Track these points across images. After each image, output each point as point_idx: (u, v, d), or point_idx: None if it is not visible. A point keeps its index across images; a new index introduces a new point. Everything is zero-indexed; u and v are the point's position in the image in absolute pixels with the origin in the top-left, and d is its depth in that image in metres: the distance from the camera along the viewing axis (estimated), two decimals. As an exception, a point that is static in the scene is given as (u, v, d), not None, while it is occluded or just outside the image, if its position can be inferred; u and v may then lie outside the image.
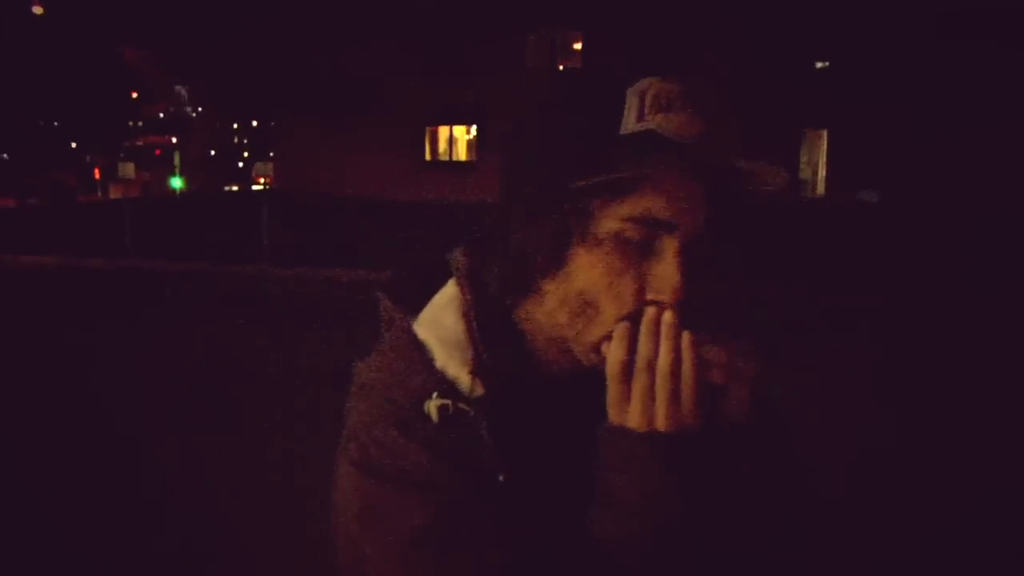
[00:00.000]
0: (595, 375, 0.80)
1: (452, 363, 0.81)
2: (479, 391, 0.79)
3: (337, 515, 0.81)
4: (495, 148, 20.49)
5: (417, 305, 0.86)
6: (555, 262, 0.79)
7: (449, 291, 0.86)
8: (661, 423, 0.75)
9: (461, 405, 0.78)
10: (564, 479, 0.78)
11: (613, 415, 0.77)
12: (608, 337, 0.78)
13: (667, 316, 0.77)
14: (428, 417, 0.78)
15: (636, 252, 0.77)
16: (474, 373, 0.80)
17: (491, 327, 0.83)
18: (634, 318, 0.78)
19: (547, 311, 0.81)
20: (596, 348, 0.79)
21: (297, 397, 5.68)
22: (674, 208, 0.76)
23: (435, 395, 0.78)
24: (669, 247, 0.77)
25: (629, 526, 0.74)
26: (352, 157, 21.90)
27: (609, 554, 0.74)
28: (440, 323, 0.83)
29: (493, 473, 0.76)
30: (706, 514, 0.74)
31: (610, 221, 0.76)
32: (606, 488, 0.75)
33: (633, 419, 0.76)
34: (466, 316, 0.83)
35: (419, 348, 0.82)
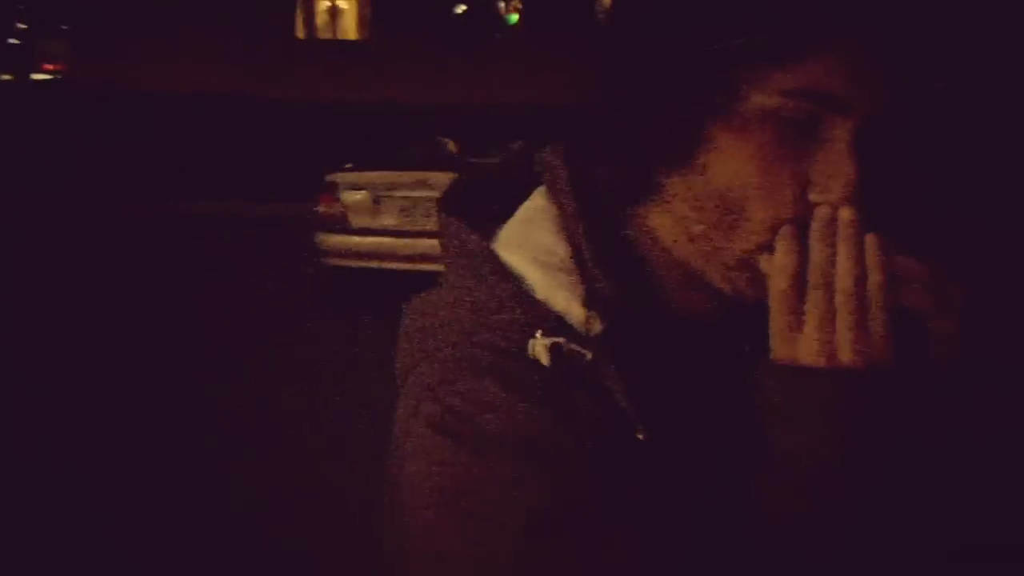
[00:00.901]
0: (733, 311, 0.87)
1: (558, 293, 0.85)
2: (596, 328, 0.84)
3: (405, 500, 0.84)
4: (403, 23, 20.14)
5: (483, 223, 0.92)
6: (686, 153, 0.82)
7: (537, 203, 0.92)
8: (846, 356, 0.79)
9: (574, 346, 0.82)
10: (712, 436, 0.85)
11: (779, 348, 0.82)
12: (760, 249, 0.83)
13: (845, 213, 0.80)
14: (534, 362, 0.82)
15: (796, 138, 0.80)
16: (589, 305, 0.85)
17: (602, 246, 0.88)
18: (794, 225, 0.82)
19: (674, 221, 0.86)
20: (741, 266, 0.84)
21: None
22: (849, 83, 0.78)
23: (539, 333, 0.83)
24: (840, 131, 0.80)
25: (805, 489, 0.79)
26: (189, 35, 21.33)
27: (777, 526, 0.79)
28: (534, 243, 0.88)
29: (628, 432, 0.81)
30: (903, 477, 0.79)
31: (763, 96, 0.79)
32: (774, 442, 0.80)
33: (808, 352, 0.80)
34: (570, 233, 0.88)
35: (510, 276, 0.87)
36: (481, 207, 0.94)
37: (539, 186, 0.94)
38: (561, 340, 0.82)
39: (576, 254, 0.87)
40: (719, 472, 0.83)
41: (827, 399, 0.79)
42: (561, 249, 0.88)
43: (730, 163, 0.81)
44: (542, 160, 0.93)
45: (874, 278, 0.80)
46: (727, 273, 0.85)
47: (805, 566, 0.79)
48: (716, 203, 0.83)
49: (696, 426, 0.85)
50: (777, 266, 0.82)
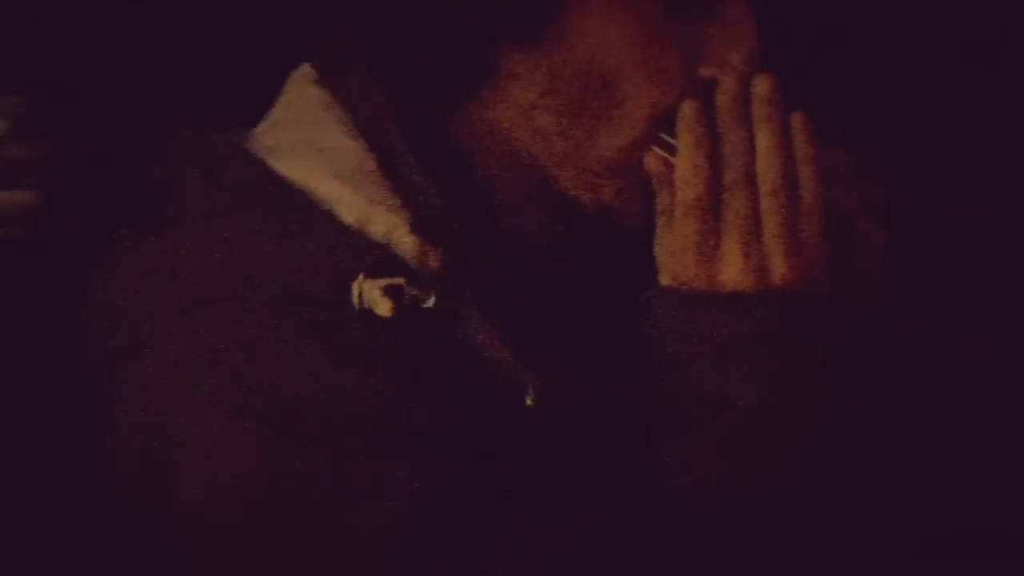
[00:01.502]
0: (598, 236, 0.74)
1: (373, 215, 0.70)
2: (434, 261, 0.69)
3: (187, 498, 0.66)
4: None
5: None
6: (535, 17, 0.69)
7: (307, 93, 0.76)
8: (779, 273, 0.68)
9: (413, 289, 0.68)
10: (608, 395, 0.71)
11: (684, 273, 0.69)
12: (636, 146, 0.70)
13: (763, 85, 0.69)
14: (363, 313, 0.66)
15: None
16: (418, 229, 0.69)
17: (422, 148, 0.73)
18: (697, 104, 0.70)
19: (517, 112, 0.71)
20: (611, 169, 0.71)
21: None
22: None
23: (362, 275, 0.66)
24: None
25: (737, 448, 0.66)
26: None
27: (698, 501, 0.66)
28: (319, 147, 0.72)
29: (508, 398, 0.67)
30: (857, 429, 0.68)
31: None
32: (692, 392, 0.68)
33: (730, 273, 0.68)
34: (372, 130, 0.73)
35: (299, 194, 0.70)
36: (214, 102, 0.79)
37: (298, 69, 0.78)
38: (399, 280, 0.67)
39: (385, 160, 0.71)
40: (624, 441, 0.70)
41: (763, 330, 0.67)
42: (359, 154, 0.72)
43: (598, 28, 0.69)
44: (310, 28, 0.78)
45: (806, 171, 0.69)
46: (591, 180, 0.72)
47: (731, 552, 0.66)
48: (577, 84, 0.70)
49: (588, 384, 0.72)
50: (683, 163, 0.69)
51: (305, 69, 0.77)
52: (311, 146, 0.72)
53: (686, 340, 0.69)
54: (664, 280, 0.70)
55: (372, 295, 0.66)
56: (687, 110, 0.69)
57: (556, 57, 0.69)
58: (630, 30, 0.69)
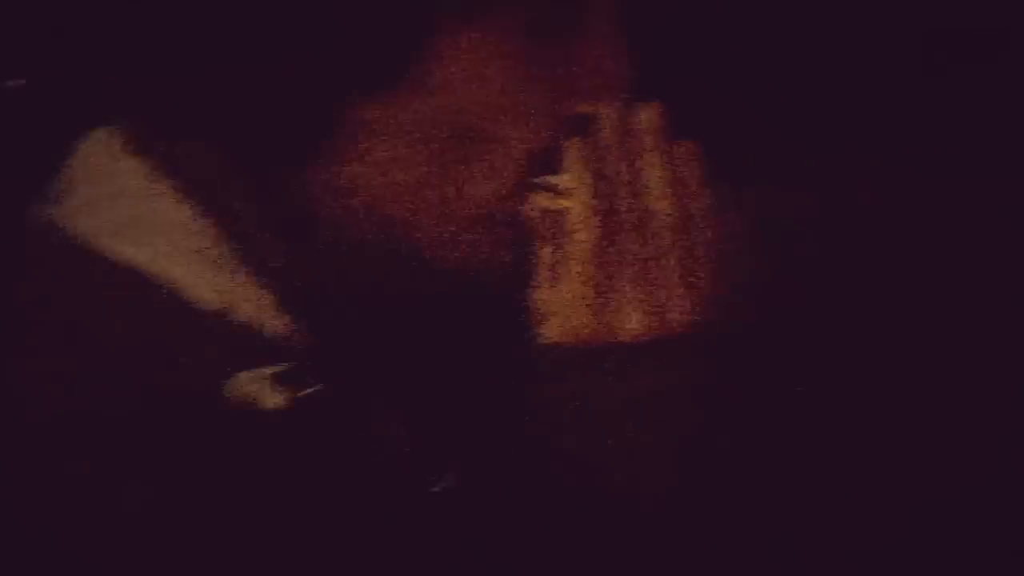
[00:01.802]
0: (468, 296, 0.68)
1: (232, 295, 0.62)
2: (309, 342, 0.63)
3: None
4: None
5: None
6: (394, 68, 0.62)
7: (122, 161, 0.66)
8: (683, 318, 0.64)
9: (297, 376, 0.61)
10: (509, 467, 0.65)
11: (582, 328, 0.64)
12: (512, 195, 0.64)
13: (646, 113, 0.65)
14: (247, 413, 0.59)
15: (550, 22, 0.64)
16: (287, 306, 0.63)
17: (271, 214, 0.65)
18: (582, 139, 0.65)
19: (374, 170, 0.64)
20: (486, 222, 0.65)
21: None
22: None
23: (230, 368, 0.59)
24: (600, 6, 0.65)
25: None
26: None
27: None
28: (151, 221, 0.64)
29: (417, 484, 0.62)
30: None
31: None
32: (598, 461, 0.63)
33: (634, 322, 0.63)
34: (212, 196, 0.65)
35: (141, 282, 0.62)
36: None
37: (97, 132, 0.69)
38: (283, 367, 0.60)
39: (232, 232, 0.64)
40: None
41: (674, 381, 0.64)
42: (202, 228, 0.64)
43: (461, 72, 0.63)
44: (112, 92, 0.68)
45: (699, 204, 0.65)
46: (459, 236, 0.66)
47: None
48: (442, 134, 0.63)
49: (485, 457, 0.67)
50: (573, 207, 0.64)
51: (109, 133, 0.68)
52: (144, 224, 0.64)
53: (585, 401, 0.64)
54: (551, 338, 0.64)
55: (255, 388, 0.59)
56: (575, 146, 0.64)
57: (416, 107, 0.63)
58: (493, 70, 0.63)
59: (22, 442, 0.58)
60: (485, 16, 0.62)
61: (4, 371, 0.60)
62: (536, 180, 0.64)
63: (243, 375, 0.59)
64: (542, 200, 0.64)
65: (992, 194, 0.94)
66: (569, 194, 0.64)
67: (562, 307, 0.64)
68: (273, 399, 0.59)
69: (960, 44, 1.07)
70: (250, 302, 0.62)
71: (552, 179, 0.64)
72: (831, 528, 0.72)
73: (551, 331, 0.64)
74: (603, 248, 0.63)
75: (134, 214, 0.64)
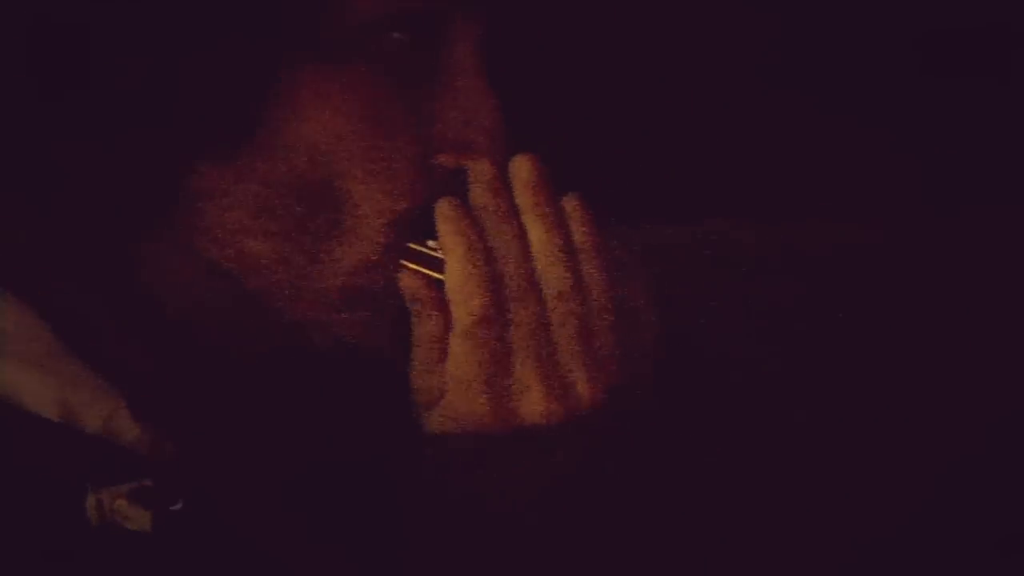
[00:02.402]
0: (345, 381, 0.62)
1: (77, 401, 0.56)
2: (169, 450, 0.56)
3: None
4: None
5: None
6: (231, 127, 0.57)
7: None
8: (584, 390, 0.58)
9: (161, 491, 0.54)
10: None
11: (473, 414, 0.58)
12: (374, 266, 0.59)
13: (522, 166, 0.59)
14: (107, 535, 0.53)
15: (408, 69, 0.59)
16: (139, 410, 0.56)
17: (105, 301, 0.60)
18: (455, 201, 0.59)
19: (221, 236, 0.59)
20: (346, 299, 0.59)
21: None
22: None
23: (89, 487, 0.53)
24: (463, 42, 0.59)
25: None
26: None
27: None
28: None
29: None
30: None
31: (360, 11, 0.56)
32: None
33: (533, 404, 0.58)
34: (35, 285, 0.58)
35: None
36: None
37: None
38: (145, 482, 0.54)
39: (67, 326, 0.58)
40: None
41: (580, 468, 0.58)
42: (29, 324, 0.58)
43: (311, 129, 0.57)
44: None
45: (590, 265, 0.59)
46: (323, 313, 0.60)
47: None
48: (293, 199, 0.58)
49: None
50: (454, 274, 0.58)
51: None
52: None
53: (478, 498, 0.58)
54: (436, 426, 0.59)
55: (118, 507, 0.53)
56: (447, 208, 0.58)
57: (263, 169, 0.57)
58: (349, 127, 0.58)
59: None
60: (341, 64, 0.57)
61: None
62: (407, 247, 0.59)
63: (101, 492, 0.53)
64: (415, 270, 0.59)
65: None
66: (445, 262, 0.58)
67: (449, 391, 0.58)
68: (142, 518, 0.53)
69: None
70: (97, 410, 0.56)
71: (429, 248, 0.58)
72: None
73: (437, 419, 0.59)
74: (489, 321, 0.57)
75: None
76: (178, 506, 0.53)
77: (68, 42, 0.54)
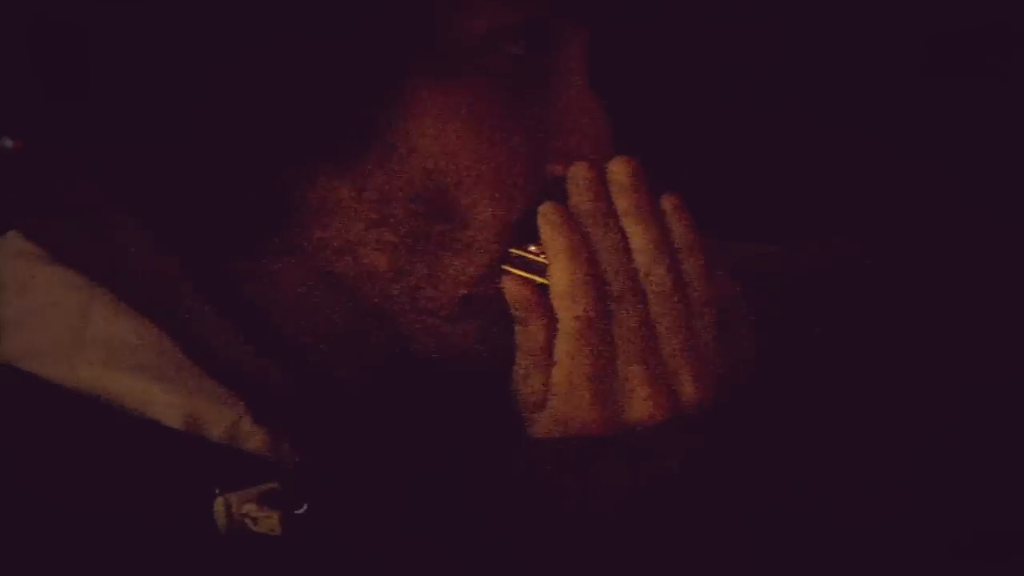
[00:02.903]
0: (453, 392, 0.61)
1: (201, 410, 0.56)
2: (290, 457, 0.57)
3: None
4: None
5: None
6: (351, 137, 0.57)
7: (34, 272, 0.60)
8: (689, 392, 0.58)
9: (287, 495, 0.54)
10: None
11: (578, 418, 0.58)
12: (487, 276, 0.59)
13: (619, 169, 0.59)
14: (236, 537, 0.53)
15: (523, 84, 0.59)
16: (262, 418, 0.57)
17: (222, 315, 0.59)
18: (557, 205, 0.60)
19: (338, 249, 0.59)
20: (463, 310, 0.59)
21: None
22: None
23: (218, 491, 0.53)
24: (572, 55, 0.60)
25: None
26: None
27: None
28: (95, 339, 0.57)
29: None
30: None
31: (479, 11, 0.56)
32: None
33: (639, 406, 0.57)
34: (154, 300, 0.58)
35: (95, 408, 0.56)
36: None
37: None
38: (272, 486, 0.54)
39: (186, 338, 0.58)
40: None
41: (692, 468, 0.58)
42: (149, 337, 0.58)
43: (431, 141, 0.57)
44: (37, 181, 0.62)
45: (690, 263, 0.59)
46: (441, 328, 0.60)
47: None
48: (412, 210, 0.57)
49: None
50: (560, 277, 0.57)
51: (16, 241, 0.61)
52: (84, 341, 0.57)
53: (587, 500, 0.57)
54: (541, 431, 0.58)
55: (247, 510, 0.53)
56: (550, 211, 0.58)
57: (383, 180, 0.57)
58: (467, 137, 0.58)
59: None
60: (458, 77, 0.57)
61: None
62: (509, 252, 0.59)
63: (229, 497, 0.53)
64: (518, 275, 0.59)
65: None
66: (548, 266, 0.58)
67: (554, 395, 0.58)
68: (271, 520, 0.53)
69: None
70: (221, 418, 0.56)
71: (531, 253, 0.58)
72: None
73: (543, 424, 0.59)
74: (594, 323, 0.57)
75: (66, 331, 0.58)
76: (303, 510, 0.53)
77: (189, 57, 0.55)
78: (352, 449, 0.58)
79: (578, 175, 0.59)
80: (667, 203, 0.59)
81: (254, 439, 0.56)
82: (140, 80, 0.56)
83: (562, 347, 0.57)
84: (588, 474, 0.57)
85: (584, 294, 0.57)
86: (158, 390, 0.56)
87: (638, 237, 0.58)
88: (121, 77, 0.56)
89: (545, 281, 0.58)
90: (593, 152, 0.60)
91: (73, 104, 0.58)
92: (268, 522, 0.53)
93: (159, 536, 0.53)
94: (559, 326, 0.57)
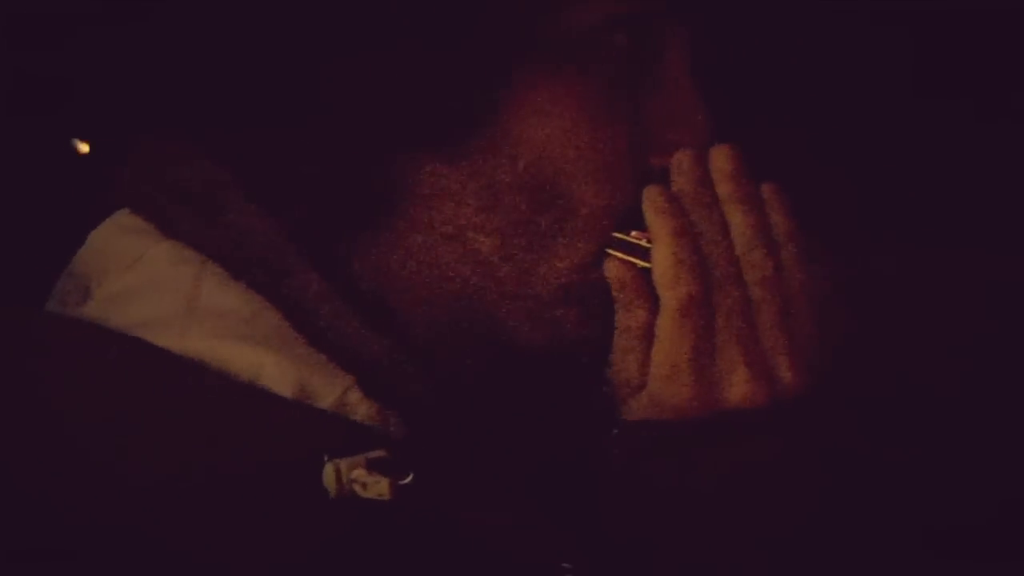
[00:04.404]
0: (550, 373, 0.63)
1: (311, 379, 0.58)
2: (396, 427, 0.59)
3: None
4: None
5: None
6: (460, 125, 0.59)
7: (149, 247, 0.62)
8: (787, 376, 0.59)
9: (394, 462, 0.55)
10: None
11: (678, 400, 0.59)
12: (591, 265, 0.60)
13: (722, 159, 0.61)
14: (345, 501, 0.54)
15: (627, 75, 0.61)
16: (371, 389, 0.58)
17: (333, 292, 0.62)
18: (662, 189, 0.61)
19: (447, 234, 0.61)
20: (566, 295, 0.61)
21: None
22: None
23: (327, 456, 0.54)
24: (675, 48, 0.62)
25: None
26: None
27: None
28: (209, 310, 0.59)
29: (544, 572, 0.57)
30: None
31: (586, 13, 0.59)
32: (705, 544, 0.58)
33: (738, 389, 0.58)
34: (267, 275, 0.61)
35: (208, 375, 0.57)
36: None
37: (114, 217, 0.65)
38: (380, 453, 0.54)
39: (297, 312, 0.60)
40: None
41: (786, 452, 0.58)
42: (260, 310, 0.60)
43: (538, 129, 0.59)
44: (148, 162, 0.64)
45: (788, 251, 0.61)
46: (545, 313, 0.62)
47: None
48: (520, 197, 0.59)
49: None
50: (663, 260, 0.59)
51: (126, 218, 0.63)
52: (197, 313, 0.60)
53: (684, 482, 0.58)
54: (638, 413, 0.60)
55: (356, 475, 0.54)
56: (655, 195, 0.60)
57: (491, 167, 0.59)
58: (574, 126, 0.60)
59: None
60: (566, 67, 0.59)
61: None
62: (617, 239, 0.60)
63: (339, 463, 0.54)
64: (621, 258, 0.60)
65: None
66: (650, 250, 0.59)
67: (654, 377, 0.60)
68: (381, 485, 0.54)
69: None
70: (330, 389, 0.58)
71: (634, 237, 0.60)
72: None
73: (640, 406, 0.60)
74: (696, 306, 0.59)
75: (181, 303, 0.60)
76: (409, 479, 0.55)
77: (308, 49, 0.57)
78: (456, 424, 0.60)
79: (682, 162, 0.61)
80: (767, 191, 0.61)
81: (362, 409, 0.58)
82: (263, 70, 0.59)
83: (663, 328, 0.59)
84: (685, 456, 0.58)
85: (686, 276, 0.58)
86: (269, 360, 0.57)
87: (738, 222, 0.60)
88: (247, 68, 0.59)
89: (647, 264, 0.59)
90: (695, 144, 0.61)
91: (203, 93, 0.61)
92: (377, 487, 0.54)
93: (271, 500, 0.54)
94: (661, 308, 0.59)
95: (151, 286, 0.61)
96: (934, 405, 0.77)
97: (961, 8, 1.00)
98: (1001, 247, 0.92)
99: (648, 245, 0.59)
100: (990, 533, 0.75)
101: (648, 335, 0.59)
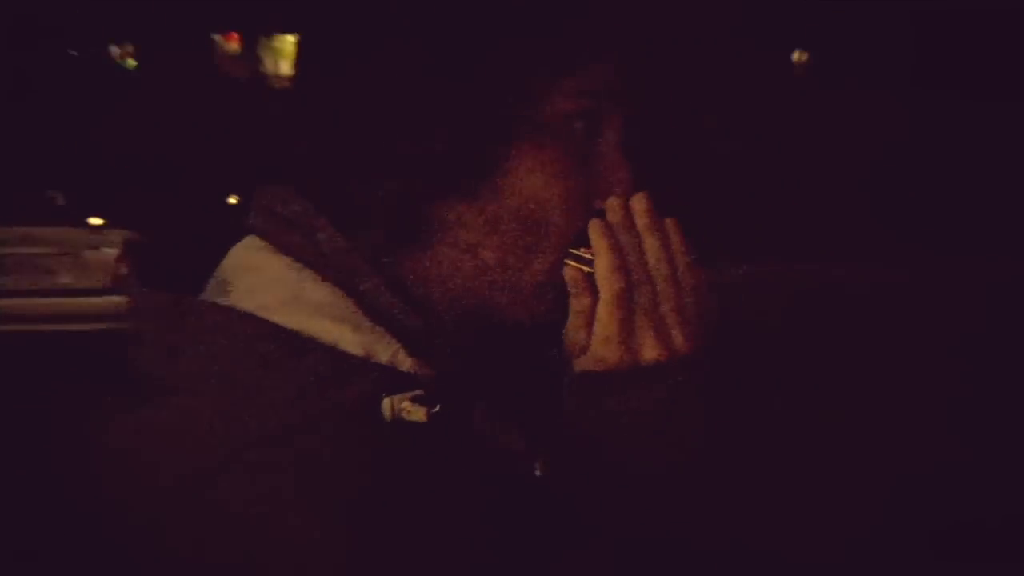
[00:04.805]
0: (524, 342, 0.87)
1: (374, 345, 0.79)
2: (429, 376, 0.80)
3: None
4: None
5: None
6: (480, 176, 0.80)
7: (255, 259, 0.84)
8: (680, 343, 0.80)
9: (429, 399, 0.78)
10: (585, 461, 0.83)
11: (608, 356, 0.80)
12: (554, 268, 0.83)
13: (640, 203, 0.82)
14: (397, 424, 0.76)
15: (582, 140, 0.82)
16: (414, 350, 0.80)
17: (387, 285, 0.83)
18: (600, 221, 0.82)
19: (459, 253, 0.82)
20: (540, 289, 0.83)
21: None
22: (623, 82, 0.82)
23: (384, 394, 0.77)
24: (612, 134, 0.84)
25: (664, 485, 0.79)
26: None
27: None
28: (299, 298, 0.80)
29: (520, 473, 0.80)
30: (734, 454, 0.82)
31: (561, 99, 0.80)
32: (631, 457, 0.80)
33: (649, 350, 0.80)
34: (345, 279, 0.82)
35: (304, 341, 0.79)
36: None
37: (244, 241, 0.86)
38: (419, 392, 0.77)
39: (364, 302, 0.81)
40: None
41: (682, 391, 0.80)
42: (339, 300, 0.80)
43: (528, 180, 0.80)
44: (268, 200, 0.85)
45: (682, 262, 0.82)
46: (526, 301, 0.84)
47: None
48: (513, 225, 0.81)
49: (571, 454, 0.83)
50: (603, 265, 0.80)
51: (252, 240, 0.85)
52: (299, 301, 0.80)
53: (615, 414, 0.79)
54: (582, 367, 0.81)
55: (403, 407, 0.75)
56: (598, 226, 0.80)
57: (494, 205, 0.80)
58: (552, 178, 0.80)
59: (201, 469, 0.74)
60: (548, 138, 0.79)
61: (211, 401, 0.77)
62: (573, 252, 0.82)
63: (392, 398, 0.75)
64: (574, 266, 0.82)
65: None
66: (594, 260, 0.80)
67: (593, 344, 0.81)
68: (419, 413, 0.75)
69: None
70: (386, 350, 0.78)
71: (583, 252, 0.81)
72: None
73: (584, 362, 0.82)
74: (623, 296, 0.80)
75: (289, 295, 0.80)
76: (437, 408, 0.75)
77: (382, 123, 0.79)
78: (468, 373, 0.82)
79: (614, 204, 0.82)
80: (669, 223, 0.83)
81: (407, 364, 0.78)
82: (356, 151, 0.80)
83: (601, 311, 0.80)
84: (613, 395, 0.80)
85: (617, 277, 0.79)
86: (346, 331, 0.78)
87: (650, 243, 0.81)
88: (343, 148, 0.81)
89: (591, 270, 0.81)
90: (622, 192, 0.83)
91: (310, 163, 0.84)
92: (417, 414, 0.75)
93: (350, 422, 0.74)
94: (600, 298, 0.80)
95: (269, 284, 0.81)
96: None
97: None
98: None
99: (592, 257, 0.81)
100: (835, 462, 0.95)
101: (591, 316, 0.81)
